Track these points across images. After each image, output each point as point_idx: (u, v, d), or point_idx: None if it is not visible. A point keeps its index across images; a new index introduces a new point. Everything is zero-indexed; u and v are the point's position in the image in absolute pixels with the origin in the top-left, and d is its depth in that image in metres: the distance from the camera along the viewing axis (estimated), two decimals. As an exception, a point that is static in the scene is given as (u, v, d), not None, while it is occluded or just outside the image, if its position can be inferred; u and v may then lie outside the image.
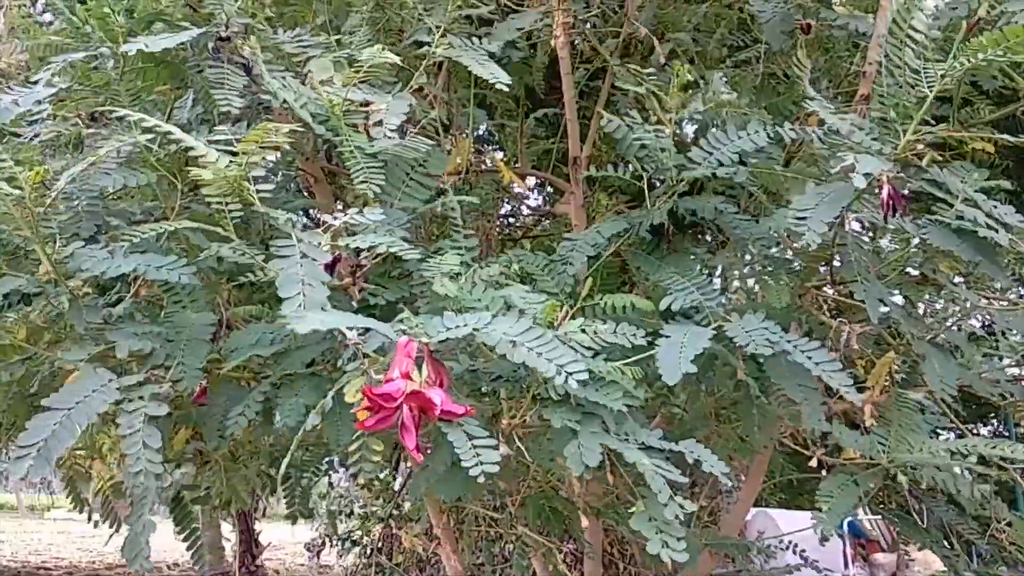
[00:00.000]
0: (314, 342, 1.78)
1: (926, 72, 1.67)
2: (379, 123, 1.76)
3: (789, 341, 1.78)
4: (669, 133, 1.98)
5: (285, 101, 1.77)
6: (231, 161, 1.49)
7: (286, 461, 1.50)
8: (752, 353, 1.97)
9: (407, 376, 1.38)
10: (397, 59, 1.80)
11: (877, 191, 1.73)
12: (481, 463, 1.39)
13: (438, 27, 1.97)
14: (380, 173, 1.76)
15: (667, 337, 1.72)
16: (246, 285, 1.99)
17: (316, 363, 1.86)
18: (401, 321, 1.49)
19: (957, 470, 2.09)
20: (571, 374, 1.43)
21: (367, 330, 1.47)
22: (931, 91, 1.67)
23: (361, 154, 1.75)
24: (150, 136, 1.70)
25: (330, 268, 1.66)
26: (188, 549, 2.29)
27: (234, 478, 2.30)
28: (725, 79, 2.10)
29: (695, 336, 1.72)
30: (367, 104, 1.80)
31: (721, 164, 1.96)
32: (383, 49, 1.77)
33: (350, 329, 1.44)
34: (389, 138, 1.75)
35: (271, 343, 1.80)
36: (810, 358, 1.74)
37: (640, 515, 1.53)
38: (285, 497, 2.59)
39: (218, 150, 1.52)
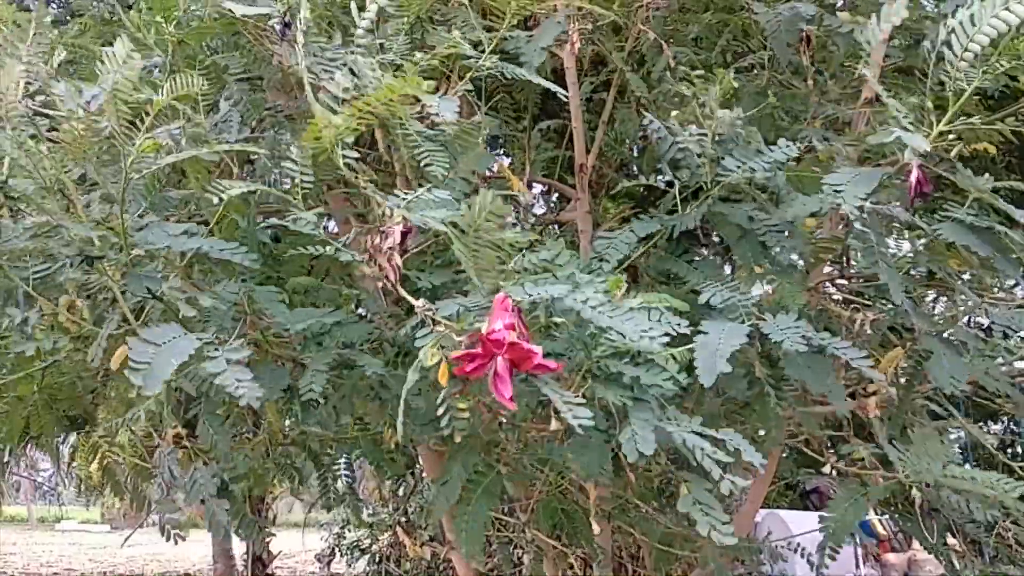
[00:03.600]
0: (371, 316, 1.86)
1: (969, 69, 1.71)
2: (435, 114, 1.82)
3: (822, 339, 1.85)
4: (710, 137, 2.02)
5: (357, 76, 1.80)
6: (327, 125, 1.54)
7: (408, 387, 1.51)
8: (767, 352, 2.01)
9: (512, 327, 1.43)
10: (469, 48, 1.88)
11: (905, 177, 1.78)
12: (576, 416, 1.45)
13: (490, 41, 2.05)
14: (443, 155, 1.83)
15: (705, 334, 1.77)
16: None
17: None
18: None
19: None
20: (653, 338, 1.49)
21: (435, 299, 1.55)
22: (971, 85, 1.71)
23: (422, 138, 1.82)
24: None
25: (402, 238, 1.71)
26: (242, 536, 2.36)
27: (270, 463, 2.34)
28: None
29: (732, 332, 1.77)
30: (417, 100, 1.86)
31: (754, 171, 2.01)
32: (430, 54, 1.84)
33: (416, 299, 1.53)
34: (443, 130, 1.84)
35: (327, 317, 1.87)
36: (843, 353, 1.83)
37: (685, 499, 1.59)
38: (321, 491, 2.64)
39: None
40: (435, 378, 1.48)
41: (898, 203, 2.04)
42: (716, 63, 2.78)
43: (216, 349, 1.51)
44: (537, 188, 4.35)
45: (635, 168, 3.78)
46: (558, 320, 1.65)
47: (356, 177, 1.67)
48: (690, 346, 1.70)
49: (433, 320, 1.52)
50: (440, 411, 1.54)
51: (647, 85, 2.72)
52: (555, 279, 1.67)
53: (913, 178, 1.68)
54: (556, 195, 4.28)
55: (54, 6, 7.36)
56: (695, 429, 1.61)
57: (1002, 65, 1.65)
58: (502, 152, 4.30)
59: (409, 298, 1.53)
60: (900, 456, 2.08)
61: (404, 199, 1.61)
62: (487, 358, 1.42)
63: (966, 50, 1.67)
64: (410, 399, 1.56)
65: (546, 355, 1.67)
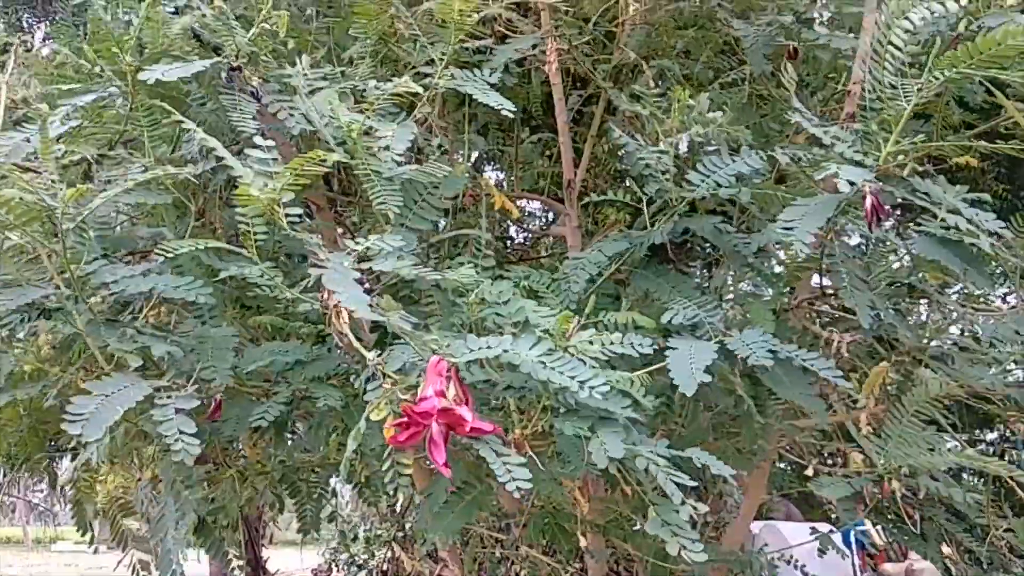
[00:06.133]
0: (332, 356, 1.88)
1: (904, 86, 1.73)
2: (387, 148, 1.82)
3: (789, 351, 1.84)
4: (670, 154, 2.03)
5: (311, 122, 1.82)
6: (266, 184, 1.55)
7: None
8: (750, 369, 2.01)
9: (441, 394, 1.44)
10: (419, 88, 1.85)
11: (861, 201, 1.78)
12: (514, 478, 1.44)
13: (441, 58, 2.02)
14: (397, 195, 1.82)
15: (674, 349, 1.76)
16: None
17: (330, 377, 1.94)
18: (430, 342, 1.55)
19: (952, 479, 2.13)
20: (593, 388, 1.50)
21: (384, 351, 1.55)
22: (909, 104, 1.72)
23: (378, 177, 1.82)
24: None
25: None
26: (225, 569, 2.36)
27: (244, 492, 2.34)
28: (711, 100, 2.14)
29: (701, 349, 1.77)
30: (374, 131, 1.86)
31: (719, 185, 2.01)
32: (396, 79, 1.83)
33: (368, 350, 1.52)
34: (397, 163, 1.81)
35: (288, 354, 1.88)
36: (812, 365, 1.82)
37: (654, 520, 1.59)
38: (297, 516, 2.64)
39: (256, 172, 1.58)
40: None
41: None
42: (700, 79, 2.80)
43: (168, 396, 1.52)
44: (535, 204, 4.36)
45: (629, 180, 3.78)
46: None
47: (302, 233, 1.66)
48: (651, 368, 1.70)
49: (383, 374, 1.52)
50: (384, 467, 1.54)
51: (634, 99, 2.73)
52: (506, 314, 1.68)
53: (868, 204, 1.68)
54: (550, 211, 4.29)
55: (46, 24, 7.39)
56: (659, 452, 1.61)
57: (936, 79, 1.66)
58: (496, 168, 4.31)
59: (362, 350, 1.53)
60: (875, 448, 2.09)
61: (355, 249, 1.61)
62: (421, 426, 1.43)
63: (885, 66, 1.70)
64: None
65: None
